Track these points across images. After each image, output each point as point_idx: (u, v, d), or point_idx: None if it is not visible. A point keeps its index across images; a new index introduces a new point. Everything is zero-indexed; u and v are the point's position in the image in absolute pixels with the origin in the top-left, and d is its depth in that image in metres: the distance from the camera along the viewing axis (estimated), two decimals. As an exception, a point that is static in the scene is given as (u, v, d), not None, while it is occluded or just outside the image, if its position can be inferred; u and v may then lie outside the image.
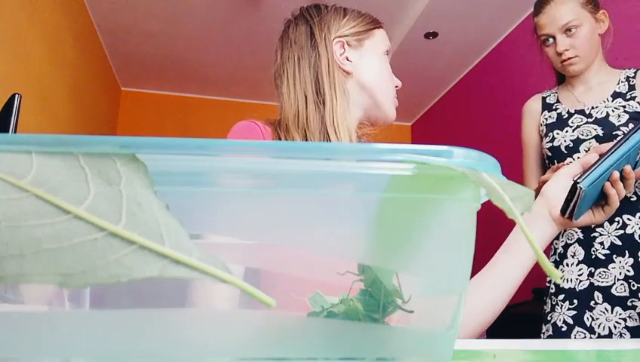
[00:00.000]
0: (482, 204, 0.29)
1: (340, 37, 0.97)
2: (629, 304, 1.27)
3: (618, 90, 1.40)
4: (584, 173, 0.71)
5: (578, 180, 0.69)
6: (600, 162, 0.72)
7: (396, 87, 1.00)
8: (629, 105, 1.37)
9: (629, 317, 1.27)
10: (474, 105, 3.45)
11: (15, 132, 0.85)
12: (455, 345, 0.29)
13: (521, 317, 2.16)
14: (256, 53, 3.28)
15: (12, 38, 2.08)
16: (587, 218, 0.77)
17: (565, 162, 1.42)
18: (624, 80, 1.41)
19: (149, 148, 0.23)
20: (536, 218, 0.75)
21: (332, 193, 0.26)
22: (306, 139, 0.88)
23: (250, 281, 0.22)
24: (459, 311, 0.28)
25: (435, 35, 3.15)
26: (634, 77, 1.40)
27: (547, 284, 1.49)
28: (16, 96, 0.85)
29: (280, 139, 0.90)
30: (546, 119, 1.52)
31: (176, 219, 0.23)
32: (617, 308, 1.28)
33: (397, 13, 2.95)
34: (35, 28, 2.31)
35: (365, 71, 0.96)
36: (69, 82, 2.79)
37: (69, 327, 0.25)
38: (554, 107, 1.52)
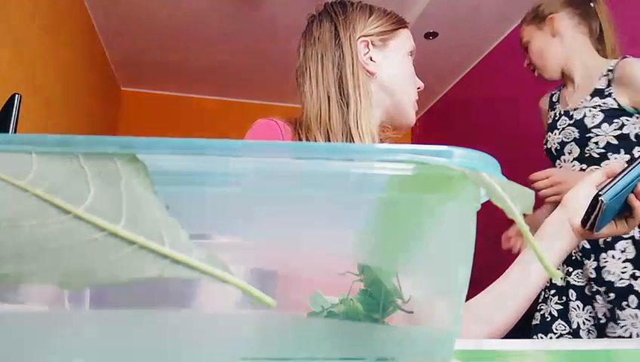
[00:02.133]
0: (482, 204, 0.29)
1: (364, 36, 0.95)
2: (591, 304, 1.36)
3: (598, 87, 1.40)
4: (608, 184, 0.68)
5: (601, 192, 0.66)
6: (625, 173, 0.68)
7: (418, 88, 0.98)
8: (604, 102, 1.37)
9: (591, 316, 1.35)
10: (474, 105, 3.45)
11: (15, 132, 0.85)
12: (455, 345, 0.29)
13: (521, 317, 2.16)
14: (257, 53, 3.28)
15: (12, 38, 2.08)
16: (609, 229, 0.74)
17: (591, 168, 1.39)
18: (605, 74, 1.39)
19: (149, 148, 0.23)
20: (559, 229, 0.72)
21: (332, 193, 0.26)
22: (329, 140, 0.86)
23: (261, 281, 0.22)
24: (459, 311, 0.28)
25: (435, 35, 3.14)
26: (613, 70, 1.38)
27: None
28: (16, 96, 0.85)
29: (300, 138, 0.88)
30: (548, 119, 1.55)
31: (176, 219, 0.23)
32: (587, 307, 1.36)
33: (397, 13, 2.95)
34: (35, 28, 2.31)
35: (388, 72, 0.95)
36: (68, 82, 2.79)
37: (69, 327, 0.25)
38: (554, 107, 1.53)
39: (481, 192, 0.27)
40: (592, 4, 1.47)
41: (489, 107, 3.21)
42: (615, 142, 1.34)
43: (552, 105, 1.55)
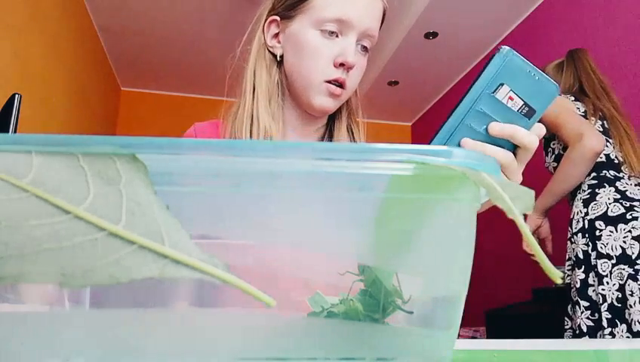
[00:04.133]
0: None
1: (272, 13, 0.78)
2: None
3: None
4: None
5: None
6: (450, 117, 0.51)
7: (342, 64, 0.72)
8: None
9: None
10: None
11: (15, 132, 0.85)
12: (455, 345, 0.29)
13: (521, 317, 2.16)
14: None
15: (12, 38, 2.08)
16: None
17: None
18: None
19: (149, 148, 0.23)
20: None
21: (332, 193, 0.26)
22: (235, 137, 0.78)
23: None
24: (459, 311, 0.28)
25: (435, 35, 3.15)
26: None
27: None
28: (17, 96, 0.85)
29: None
30: None
31: (177, 219, 0.23)
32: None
33: (397, 13, 2.95)
34: (35, 28, 2.31)
35: (289, 53, 0.77)
36: (68, 82, 2.79)
37: (69, 327, 0.25)
38: None
39: (481, 192, 0.27)
40: None
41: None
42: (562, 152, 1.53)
43: None
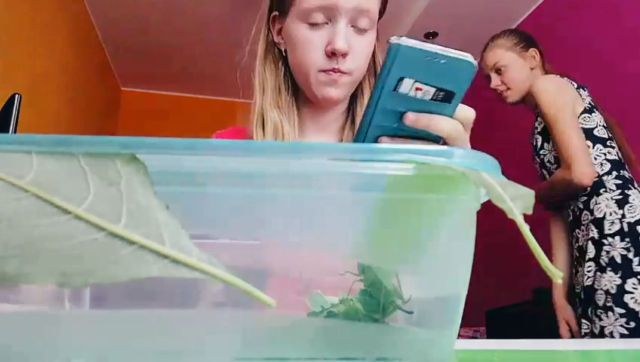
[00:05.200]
0: (482, 204, 0.29)
1: (273, 10, 0.79)
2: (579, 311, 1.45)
3: (536, 110, 1.58)
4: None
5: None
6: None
7: (333, 53, 0.70)
8: (539, 123, 1.57)
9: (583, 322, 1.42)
10: (474, 104, 3.45)
11: (15, 132, 0.85)
12: (455, 345, 0.29)
13: (521, 317, 2.16)
14: (257, 53, 3.28)
15: (12, 38, 2.08)
16: None
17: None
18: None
19: (149, 148, 0.23)
20: None
21: (332, 193, 0.26)
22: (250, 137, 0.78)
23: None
24: (459, 311, 0.28)
25: (435, 35, 3.14)
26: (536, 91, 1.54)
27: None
28: (16, 96, 0.85)
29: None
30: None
31: (176, 219, 0.23)
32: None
33: (397, 13, 2.95)
34: (35, 28, 2.31)
35: (288, 48, 0.77)
36: (68, 82, 2.79)
37: (69, 327, 0.25)
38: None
39: (481, 192, 0.27)
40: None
41: (488, 107, 3.21)
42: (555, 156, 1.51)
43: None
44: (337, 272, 0.29)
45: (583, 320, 1.42)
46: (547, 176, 1.55)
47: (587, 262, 1.40)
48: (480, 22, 2.99)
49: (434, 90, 0.44)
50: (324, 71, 0.71)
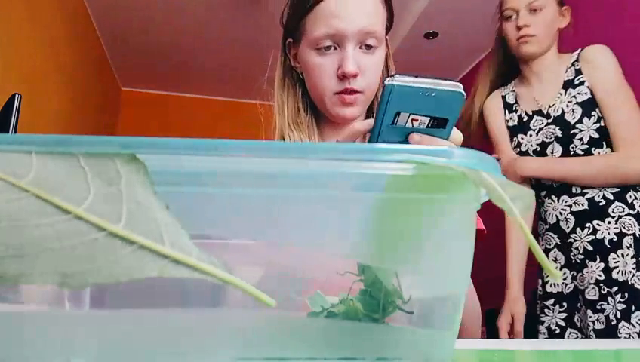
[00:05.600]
0: (482, 204, 0.29)
1: (287, 32, 0.83)
2: (597, 307, 1.28)
3: (567, 79, 1.39)
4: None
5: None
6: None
7: (344, 76, 0.74)
8: (578, 93, 1.36)
9: (597, 320, 1.28)
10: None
11: (15, 132, 0.85)
12: (455, 345, 0.29)
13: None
14: (257, 53, 3.28)
15: (11, 38, 2.08)
16: None
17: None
18: (570, 66, 1.40)
19: (149, 148, 0.23)
20: None
21: (332, 193, 0.26)
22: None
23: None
24: (459, 311, 0.28)
25: (435, 35, 3.15)
26: (577, 60, 1.39)
27: (539, 288, 1.46)
28: (16, 96, 0.85)
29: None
30: (508, 121, 1.49)
31: (176, 219, 0.23)
32: (588, 311, 1.29)
33: (397, 13, 2.95)
34: (35, 28, 2.31)
35: (304, 73, 0.81)
36: (68, 82, 2.79)
37: (69, 327, 0.25)
38: (514, 108, 1.49)
39: (481, 192, 0.27)
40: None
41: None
42: (597, 135, 1.32)
43: (508, 107, 1.50)
44: (337, 272, 0.29)
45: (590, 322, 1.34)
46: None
47: (624, 258, 1.26)
48: (480, 22, 2.99)
49: (428, 119, 0.50)
50: (337, 93, 0.76)
